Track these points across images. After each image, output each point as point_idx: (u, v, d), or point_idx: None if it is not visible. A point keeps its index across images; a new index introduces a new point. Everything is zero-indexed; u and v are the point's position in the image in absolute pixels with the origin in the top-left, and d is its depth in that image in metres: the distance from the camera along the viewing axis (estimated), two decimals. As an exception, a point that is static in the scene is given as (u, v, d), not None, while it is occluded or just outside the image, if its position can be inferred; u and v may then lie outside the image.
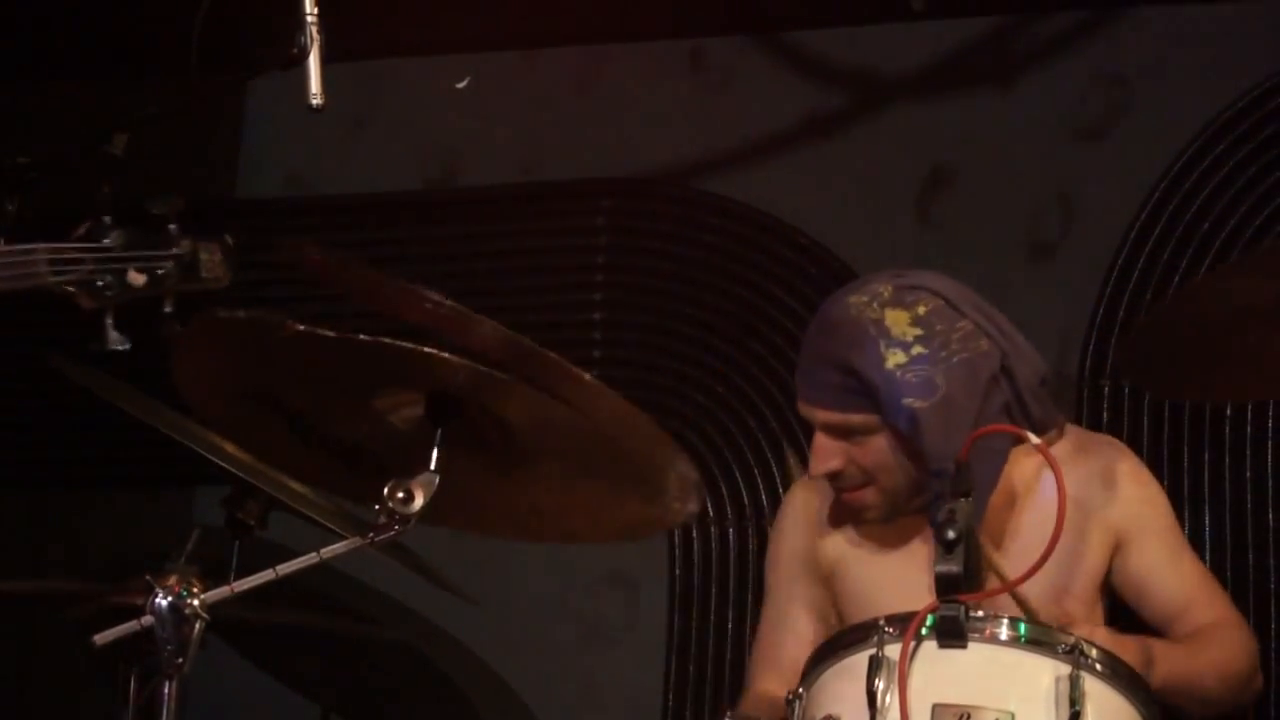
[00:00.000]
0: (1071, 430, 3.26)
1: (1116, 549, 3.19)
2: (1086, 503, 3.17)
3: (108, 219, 2.56)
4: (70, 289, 2.56)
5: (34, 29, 5.01)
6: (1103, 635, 2.91)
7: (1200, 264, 4.54)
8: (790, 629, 3.28)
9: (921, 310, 3.05)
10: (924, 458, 3.02)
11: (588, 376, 2.72)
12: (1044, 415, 3.14)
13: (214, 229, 5.05)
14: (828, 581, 3.28)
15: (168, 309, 2.57)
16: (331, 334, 2.69)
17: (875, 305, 3.06)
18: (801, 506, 3.35)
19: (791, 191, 4.92)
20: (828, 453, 3.11)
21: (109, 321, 2.58)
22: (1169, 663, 3.01)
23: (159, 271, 2.55)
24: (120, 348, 2.57)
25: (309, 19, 2.84)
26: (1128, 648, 2.93)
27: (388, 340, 2.69)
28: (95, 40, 5.09)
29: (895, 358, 3.01)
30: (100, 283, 2.55)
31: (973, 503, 2.73)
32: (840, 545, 3.26)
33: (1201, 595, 3.20)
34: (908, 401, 3.00)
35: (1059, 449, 3.17)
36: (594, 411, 2.78)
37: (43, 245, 2.55)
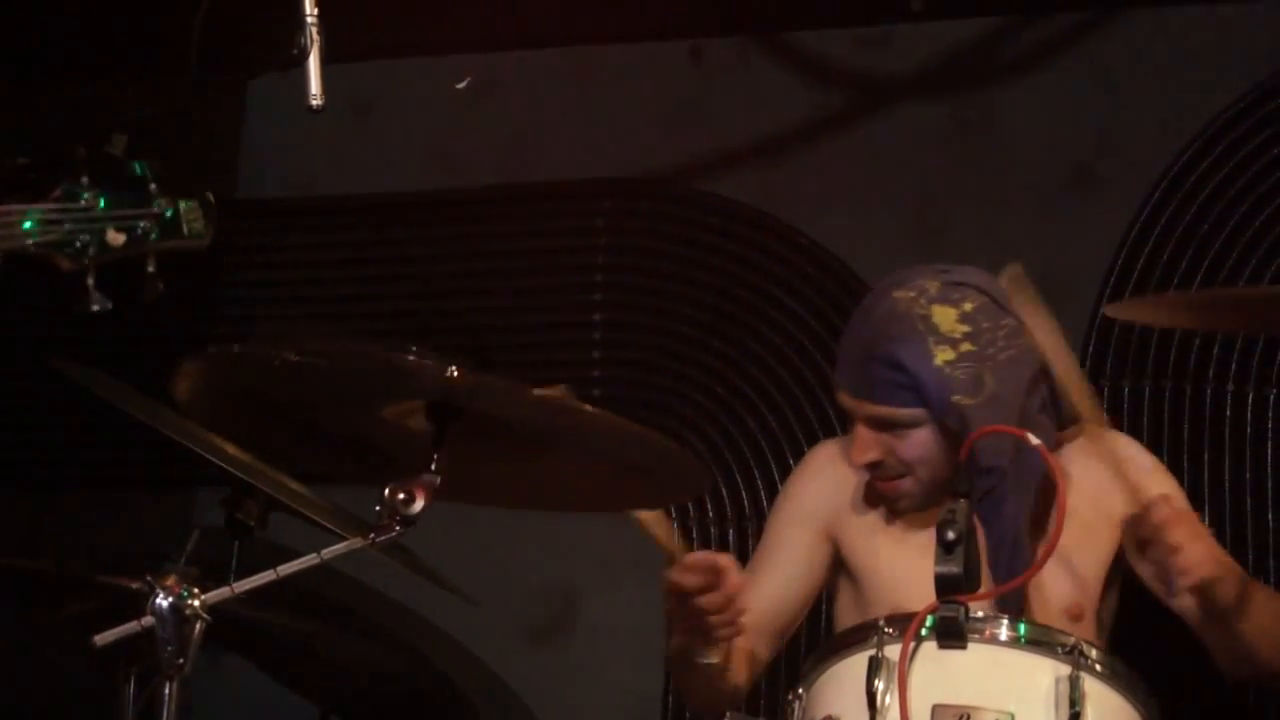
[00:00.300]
0: (1084, 427, 3.28)
1: (1130, 537, 3.19)
2: (1101, 495, 3.19)
3: (85, 179, 2.54)
4: (49, 250, 2.53)
5: (34, 30, 5.01)
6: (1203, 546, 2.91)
7: (1199, 265, 4.54)
8: (758, 582, 3.27)
9: (968, 307, 3.08)
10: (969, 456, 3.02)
11: (576, 401, 2.74)
12: (1070, 412, 3.17)
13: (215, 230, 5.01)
14: (835, 544, 3.25)
15: (150, 268, 2.56)
16: (326, 361, 2.70)
17: (923, 301, 3.08)
18: (826, 465, 3.33)
19: (791, 192, 4.93)
20: (868, 444, 3.13)
21: (90, 283, 2.55)
22: (1264, 595, 3.03)
23: (138, 230, 2.53)
24: (102, 307, 2.55)
25: (308, 20, 2.84)
26: (1231, 571, 2.96)
27: (382, 363, 2.70)
28: (95, 41, 5.09)
29: (944, 354, 3.04)
30: (79, 243, 2.52)
31: (971, 503, 2.73)
32: (866, 518, 3.25)
33: (1236, 571, 3.18)
34: (956, 399, 3.02)
35: (1075, 445, 3.20)
36: (584, 424, 2.79)
37: (18, 206, 2.53)
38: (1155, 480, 3.26)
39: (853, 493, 3.29)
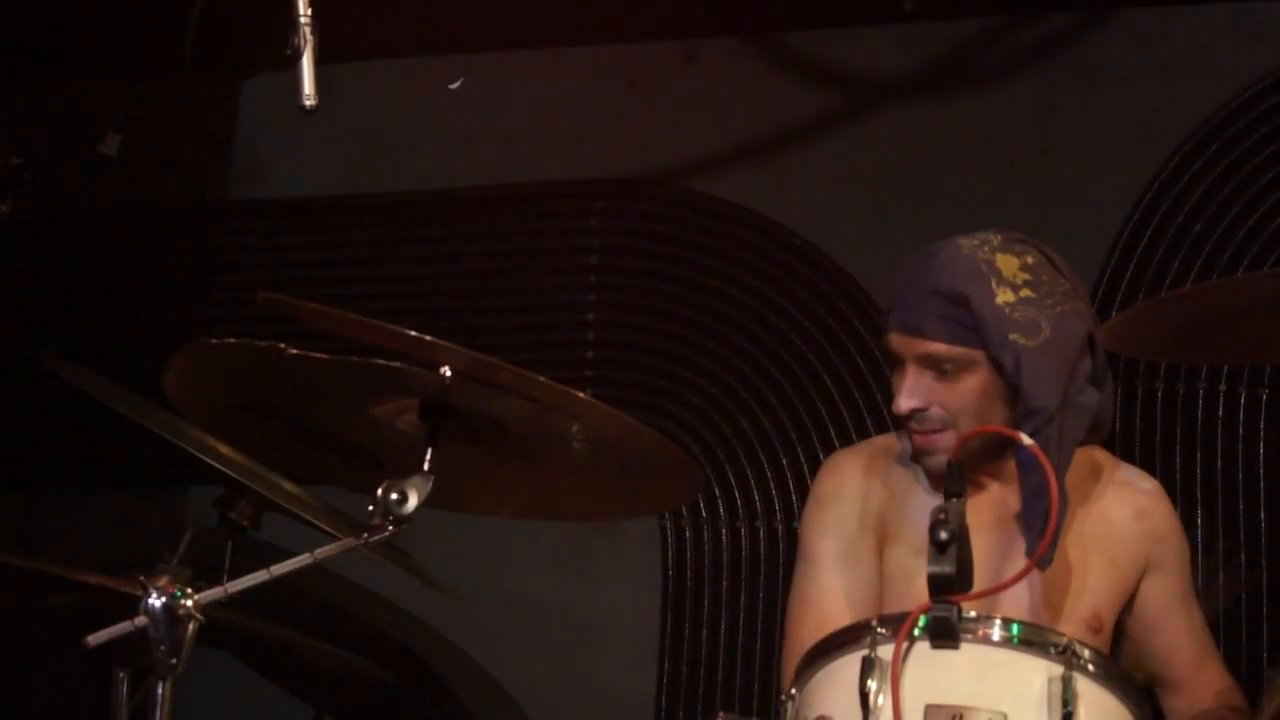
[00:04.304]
0: (1108, 454, 3.30)
1: (1142, 576, 3.22)
2: (1126, 523, 3.21)
3: None
4: None
5: (28, 30, 5.02)
6: None
7: (1191, 266, 4.56)
8: (844, 604, 3.17)
9: (1030, 260, 3.12)
10: (1016, 402, 3.05)
11: (571, 390, 2.73)
12: (1109, 406, 3.19)
13: (208, 229, 5.05)
14: (881, 542, 3.23)
15: None
16: (323, 356, 2.70)
17: (986, 249, 3.11)
18: (851, 473, 3.26)
19: (784, 192, 4.94)
20: (916, 389, 3.10)
21: None
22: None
23: None
24: None
25: (302, 20, 2.85)
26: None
27: (379, 361, 2.70)
28: (90, 41, 5.10)
29: (1005, 295, 3.07)
30: None
31: (964, 502, 2.73)
32: (895, 514, 3.22)
33: (1210, 653, 3.27)
34: (1014, 337, 3.04)
35: (1101, 460, 3.23)
36: (581, 415, 2.80)
37: None
38: (1174, 528, 3.28)
39: (878, 488, 3.25)
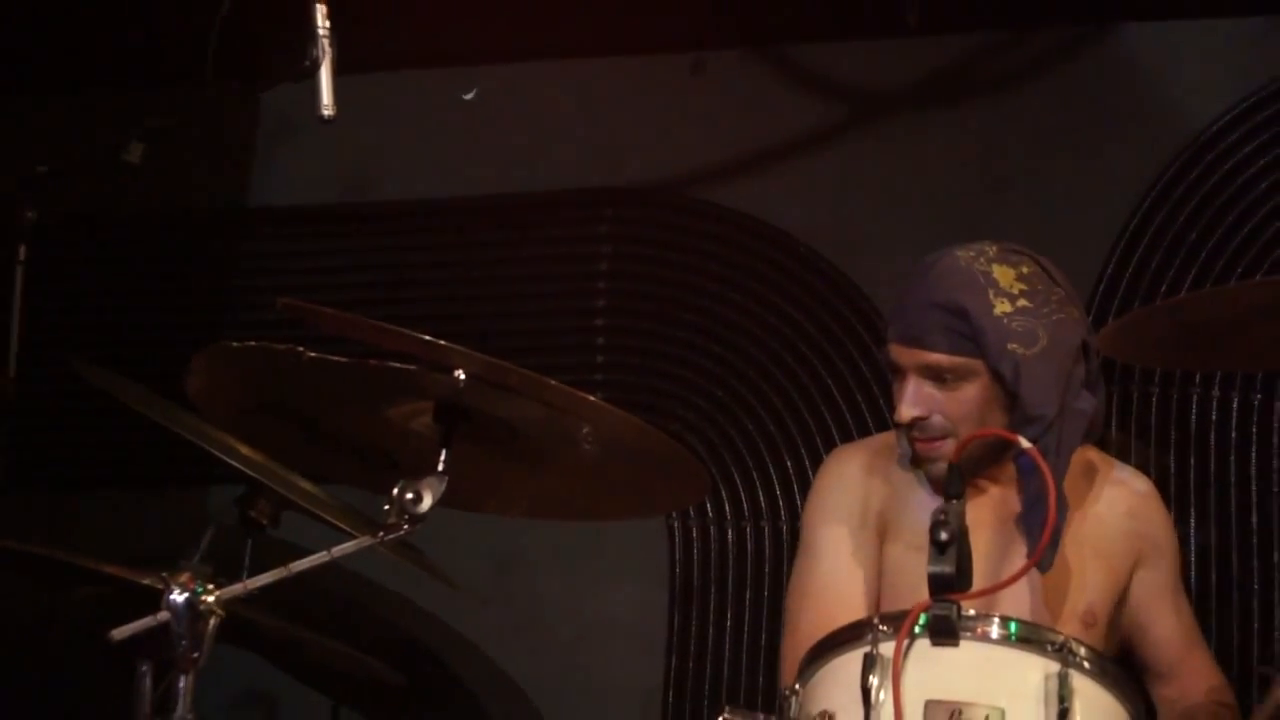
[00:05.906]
0: (1103, 454, 3.35)
1: (1133, 571, 3.28)
2: (1120, 521, 3.27)
3: None
4: None
5: (52, 41, 5.04)
6: None
7: (1188, 272, 4.59)
8: (843, 595, 3.22)
9: (1025, 269, 3.16)
10: (1015, 410, 3.09)
11: (578, 392, 2.77)
12: (1103, 409, 3.23)
13: (229, 236, 5.06)
14: (881, 538, 3.27)
15: None
16: (341, 359, 2.73)
17: (983, 260, 3.16)
18: (854, 468, 3.31)
19: (789, 201, 4.96)
20: (916, 399, 3.14)
21: None
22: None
23: None
24: None
25: (321, 32, 2.90)
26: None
27: (395, 365, 2.74)
28: (113, 52, 5.12)
29: (1002, 305, 3.11)
30: None
31: (964, 503, 2.77)
32: (895, 510, 3.26)
33: (1198, 644, 3.34)
34: (1012, 347, 3.08)
35: (1095, 460, 3.29)
36: (590, 418, 2.84)
37: None
38: (1164, 522, 3.34)
39: (877, 485, 3.29)
